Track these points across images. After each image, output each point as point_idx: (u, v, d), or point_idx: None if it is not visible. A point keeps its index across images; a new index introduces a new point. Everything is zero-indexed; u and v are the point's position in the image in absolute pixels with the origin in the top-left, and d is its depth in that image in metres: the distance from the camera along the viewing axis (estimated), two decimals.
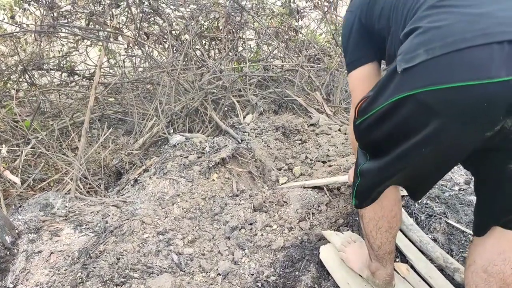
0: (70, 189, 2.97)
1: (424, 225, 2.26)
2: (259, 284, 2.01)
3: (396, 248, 2.06)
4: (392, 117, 1.19)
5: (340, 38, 4.87)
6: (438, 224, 2.24)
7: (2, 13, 3.47)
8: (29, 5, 3.41)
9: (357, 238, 2.08)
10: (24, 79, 3.93)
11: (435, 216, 2.29)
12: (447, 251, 2.12)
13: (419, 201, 2.39)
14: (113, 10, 3.79)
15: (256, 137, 3.38)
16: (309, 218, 2.37)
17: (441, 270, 2.01)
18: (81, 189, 3.07)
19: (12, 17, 3.37)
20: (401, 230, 2.18)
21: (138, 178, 2.87)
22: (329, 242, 2.14)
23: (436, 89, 1.05)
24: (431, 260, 2.05)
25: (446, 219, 2.26)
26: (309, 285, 1.97)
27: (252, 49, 4.89)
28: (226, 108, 3.86)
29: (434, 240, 2.17)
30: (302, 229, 2.29)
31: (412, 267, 2.04)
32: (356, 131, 1.40)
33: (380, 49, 1.54)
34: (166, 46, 4.31)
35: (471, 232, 2.19)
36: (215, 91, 3.87)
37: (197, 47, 4.47)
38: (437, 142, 1.14)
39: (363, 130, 1.35)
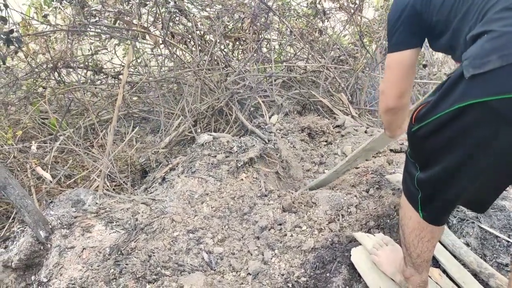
0: (97, 186, 3.00)
1: (456, 229, 2.23)
2: (290, 285, 2.01)
3: None
4: (456, 124, 1.14)
5: (365, 40, 4.86)
6: (470, 228, 2.21)
7: (33, 11, 3.53)
8: (60, 3, 3.46)
9: (389, 241, 2.06)
10: (53, 77, 3.99)
11: (467, 220, 2.26)
12: (480, 256, 2.09)
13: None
14: (141, 9, 3.82)
15: (282, 137, 3.38)
16: (338, 220, 2.36)
17: (475, 275, 1.98)
18: (108, 186, 3.11)
19: (45, 16, 3.43)
20: None
21: (166, 177, 2.89)
22: (360, 245, 2.13)
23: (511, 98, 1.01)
24: (464, 265, 2.02)
25: (479, 223, 2.23)
26: (340, 287, 1.96)
27: (276, 50, 4.89)
28: (251, 109, 3.87)
29: (467, 244, 2.14)
30: (332, 231, 2.28)
31: (444, 271, 2.01)
32: (412, 138, 1.36)
33: (428, 37, 1.52)
34: (192, 46, 4.34)
35: (505, 237, 2.16)
36: (240, 91, 3.88)
37: (222, 47, 4.48)
38: (508, 153, 1.11)
39: (420, 137, 1.30)
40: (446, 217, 1.51)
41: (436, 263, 2.05)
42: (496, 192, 1.35)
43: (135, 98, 4.54)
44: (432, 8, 1.42)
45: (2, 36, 2.57)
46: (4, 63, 2.93)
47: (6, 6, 2.82)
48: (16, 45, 2.72)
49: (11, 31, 2.66)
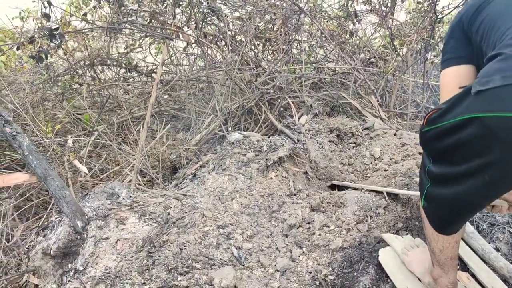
0: (130, 181, 3.09)
1: (486, 233, 2.23)
2: (317, 283, 2.04)
3: None
4: (457, 134, 1.23)
5: (396, 43, 4.85)
6: (501, 233, 2.20)
7: (73, 10, 3.65)
8: (99, 2, 3.57)
9: (420, 243, 2.08)
10: (90, 74, 4.11)
11: (497, 225, 2.25)
12: (510, 261, 2.08)
13: None
14: (175, 9, 3.91)
15: (311, 138, 3.40)
16: (366, 221, 2.38)
17: (504, 281, 1.97)
18: (140, 181, 3.19)
19: (85, 14, 3.55)
20: (462, 238, 2.15)
21: (196, 173, 2.95)
22: (388, 246, 2.14)
23: (503, 116, 1.08)
24: (494, 270, 2.02)
25: (510, 229, 2.22)
26: (367, 286, 1.98)
27: (307, 52, 4.92)
28: (281, 109, 3.91)
29: (497, 249, 2.14)
30: (360, 231, 2.30)
31: (473, 275, 2.01)
32: (422, 137, 1.46)
33: (476, 57, 1.53)
34: (223, 46, 4.40)
35: None
36: (270, 91, 3.92)
37: (252, 47, 4.53)
38: (498, 171, 1.18)
39: (428, 138, 1.41)
40: (451, 226, 1.54)
41: (464, 267, 2.06)
42: (473, 212, 1.48)
43: (166, 96, 4.63)
44: (473, 30, 1.47)
45: (45, 32, 2.69)
46: (47, 58, 3.06)
47: (50, 3, 2.94)
48: (59, 40, 2.83)
49: (57, 28, 2.78)
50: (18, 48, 3.04)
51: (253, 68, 4.08)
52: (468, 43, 1.52)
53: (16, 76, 3.41)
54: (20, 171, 2.84)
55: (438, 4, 4.10)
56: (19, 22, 3.71)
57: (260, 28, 4.65)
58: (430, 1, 4.50)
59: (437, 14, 4.03)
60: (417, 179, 2.66)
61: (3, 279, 2.25)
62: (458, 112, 1.20)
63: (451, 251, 1.64)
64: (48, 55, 3.06)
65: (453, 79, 1.58)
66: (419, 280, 1.92)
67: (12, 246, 2.43)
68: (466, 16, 1.51)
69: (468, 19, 1.50)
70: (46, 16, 2.95)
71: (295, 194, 2.67)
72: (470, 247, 2.14)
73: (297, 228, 2.38)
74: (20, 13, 3.70)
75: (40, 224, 2.52)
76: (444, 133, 1.28)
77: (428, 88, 4.62)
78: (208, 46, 4.25)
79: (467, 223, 2.24)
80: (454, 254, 1.66)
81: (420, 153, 3.20)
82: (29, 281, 2.22)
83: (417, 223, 2.28)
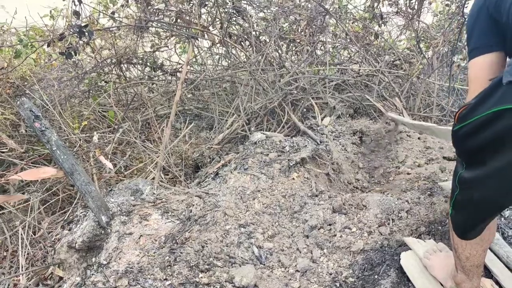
0: (153, 178, 3.13)
1: (511, 240, 2.19)
2: (337, 284, 2.04)
3: None
4: (491, 127, 1.18)
5: (421, 45, 4.79)
6: None
7: (101, 8, 3.72)
8: (127, 1, 3.64)
9: (442, 248, 2.05)
10: (116, 72, 4.18)
11: None
12: None
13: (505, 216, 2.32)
14: (201, 9, 3.95)
15: (333, 140, 3.40)
16: (388, 224, 2.36)
17: None
18: (162, 178, 3.23)
19: (113, 13, 3.61)
20: None
21: (218, 172, 2.97)
22: (410, 249, 2.12)
23: None
24: None
25: None
26: None
27: (331, 53, 4.90)
28: (304, 110, 3.91)
29: None
30: (381, 234, 2.29)
31: (497, 283, 1.98)
32: (454, 137, 1.40)
33: (506, 42, 1.42)
34: (247, 46, 4.42)
35: None
36: (294, 92, 3.93)
37: (276, 48, 4.54)
38: None
39: (461, 136, 1.35)
40: (472, 232, 1.51)
41: (489, 274, 2.02)
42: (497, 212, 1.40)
43: (189, 95, 4.67)
44: (502, 11, 1.36)
45: (75, 29, 2.76)
46: (76, 54, 3.13)
47: (80, 1, 3.01)
48: (88, 37, 2.89)
49: (86, 26, 2.84)
50: (48, 45, 3.11)
51: (276, 68, 4.09)
52: (494, 27, 1.41)
53: (46, 73, 3.49)
54: (47, 165, 2.91)
55: (466, 7, 4.04)
56: (49, 21, 3.79)
57: (284, 28, 4.65)
58: (459, 3, 4.44)
59: (465, 16, 3.97)
60: (441, 184, 2.64)
61: (29, 270, 2.31)
62: (491, 104, 1.16)
63: (477, 259, 1.61)
64: (77, 52, 3.12)
65: (482, 70, 1.47)
66: (441, 285, 1.90)
67: (38, 239, 2.49)
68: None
69: (494, 1, 1.38)
70: (76, 14, 3.02)
71: (317, 195, 2.67)
72: (494, 253, 2.10)
73: (318, 229, 2.38)
74: (50, 11, 3.78)
75: (65, 218, 2.58)
76: (477, 128, 1.24)
77: (454, 91, 4.56)
78: (233, 46, 4.27)
79: None
80: (480, 262, 1.64)
81: (444, 157, 3.16)
82: (54, 273, 2.27)
83: (440, 227, 2.25)
